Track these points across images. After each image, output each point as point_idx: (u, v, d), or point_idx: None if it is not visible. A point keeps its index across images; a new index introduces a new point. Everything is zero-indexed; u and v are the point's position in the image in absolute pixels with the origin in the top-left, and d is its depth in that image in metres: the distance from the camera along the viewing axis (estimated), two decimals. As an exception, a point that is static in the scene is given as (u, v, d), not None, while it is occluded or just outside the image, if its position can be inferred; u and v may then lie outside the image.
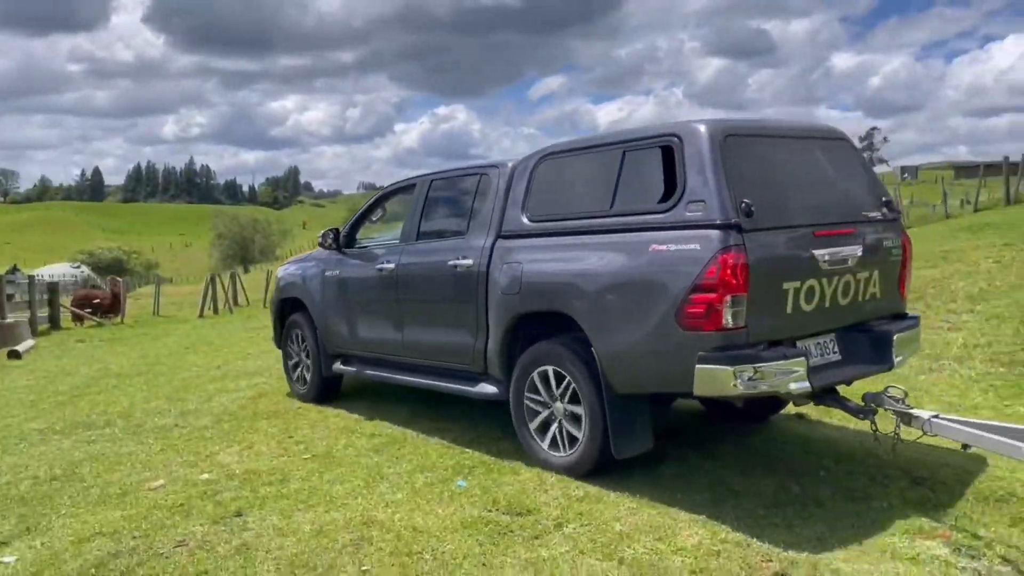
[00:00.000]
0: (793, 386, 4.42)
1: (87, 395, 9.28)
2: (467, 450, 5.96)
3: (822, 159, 5.14)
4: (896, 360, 5.00)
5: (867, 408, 4.82)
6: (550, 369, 5.29)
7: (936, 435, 4.58)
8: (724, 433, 6.05)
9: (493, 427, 6.49)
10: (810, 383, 4.47)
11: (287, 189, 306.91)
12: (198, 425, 7.28)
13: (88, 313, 21.15)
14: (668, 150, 4.69)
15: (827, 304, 4.80)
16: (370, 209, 7.36)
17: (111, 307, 21.93)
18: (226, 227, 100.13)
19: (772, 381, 4.36)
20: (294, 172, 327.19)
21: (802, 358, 4.47)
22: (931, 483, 4.88)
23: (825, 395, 4.95)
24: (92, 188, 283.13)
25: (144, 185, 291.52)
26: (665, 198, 4.66)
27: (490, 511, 4.71)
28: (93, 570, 4.22)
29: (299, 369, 7.98)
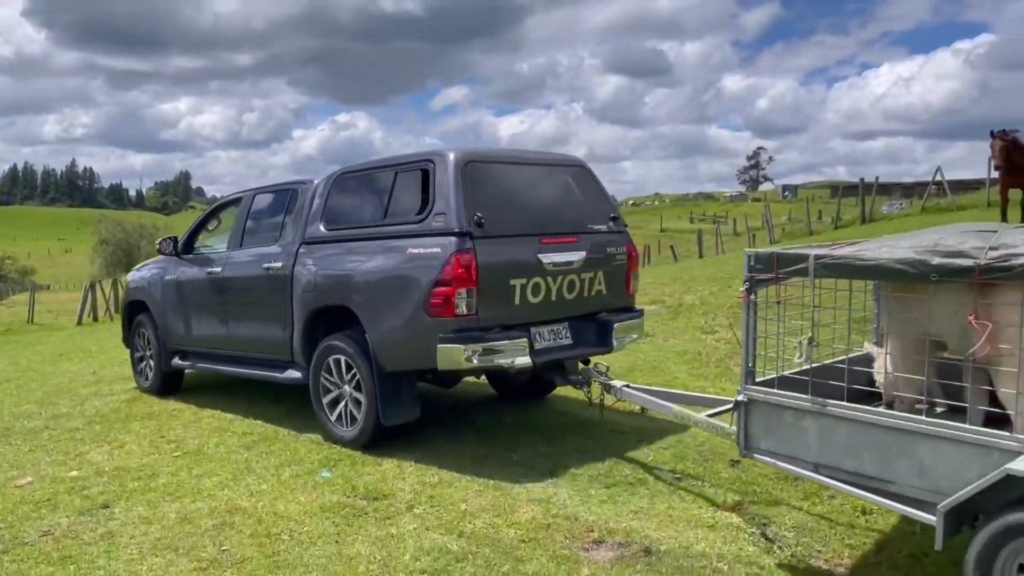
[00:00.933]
0: (518, 361, 5.60)
1: (-48, 401, 9.09)
2: (336, 446, 6.31)
3: (556, 182, 6.35)
4: (615, 344, 6.26)
5: (582, 380, 6.20)
6: (341, 357, 6.16)
7: (624, 400, 5.91)
8: (568, 424, 6.62)
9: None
10: (532, 359, 5.68)
11: (177, 194, 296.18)
12: (69, 427, 7.35)
13: (-45, 320, 20.22)
14: (425, 172, 5.76)
15: (553, 298, 5.94)
16: (206, 219, 8.35)
17: (-20, 314, 21.02)
18: (110, 232, 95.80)
19: (498, 357, 5.52)
20: (185, 177, 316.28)
21: (524, 339, 5.64)
22: (744, 466, 5.56)
23: (555, 370, 6.28)
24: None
25: (21, 187, 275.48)
26: (420, 211, 5.75)
27: (348, 497, 5.10)
28: (-45, 558, 4.38)
29: (143, 364, 8.77)
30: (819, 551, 4.42)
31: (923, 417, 3.58)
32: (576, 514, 4.75)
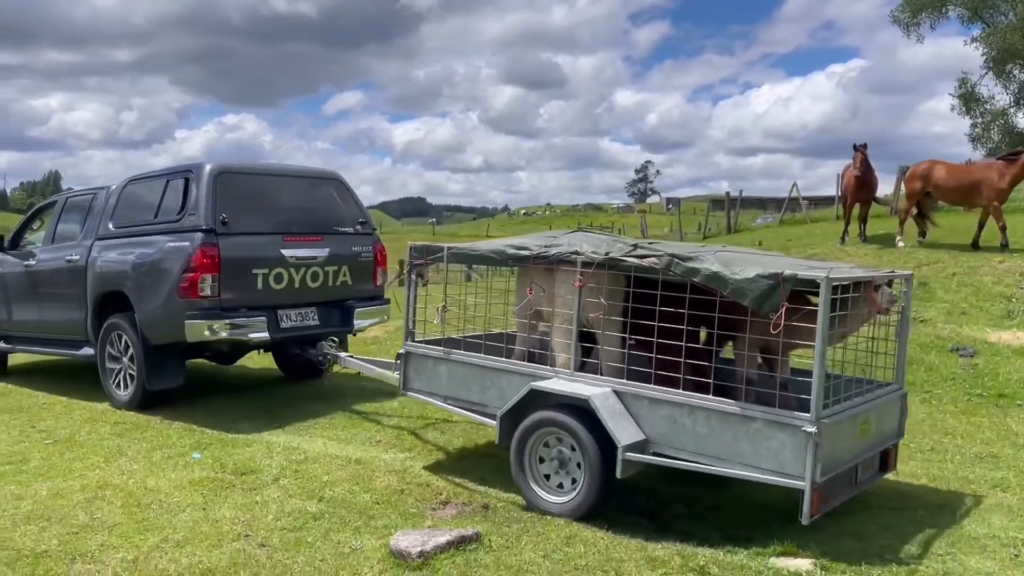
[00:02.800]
0: (254, 335, 6.94)
1: None
2: (207, 431, 6.64)
3: (306, 191, 7.71)
4: (356, 324, 7.66)
5: (320, 353, 7.46)
6: (121, 333, 7.37)
7: (347, 367, 7.34)
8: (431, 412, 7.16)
9: (231, 411, 7.23)
10: (269, 334, 7.02)
11: (45, 195, 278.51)
12: (-67, 420, 7.35)
13: None
14: (187, 180, 7.03)
15: (297, 286, 7.24)
16: (30, 219, 9.41)
17: None
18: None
19: (237, 331, 6.82)
20: (54, 176, 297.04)
21: (263, 318, 6.94)
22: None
23: (302, 346, 7.60)
24: None
25: None
26: (179, 212, 7.00)
27: (217, 473, 5.48)
28: None
29: None
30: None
31: (500, 358, 5.34)
32: (429, 480, 5.31)
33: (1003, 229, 11.60)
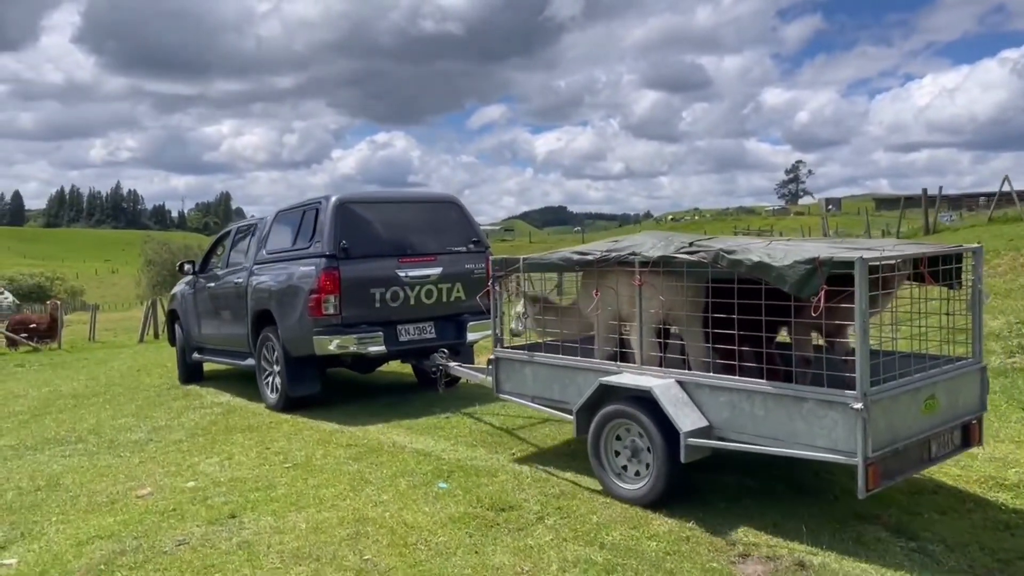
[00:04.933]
0: (373, 349, 7.68)
1: (48, 414, 9.28)
2: (443, 457, 6.29)
3: (422, 215, 8.39)
4: (469, 337, 8.20)
5: (433, 364, 7.64)
6: (271, 346, 8.26)
7: (453, 373, 7.50)
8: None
9: (468, 438, 6.86)
10: (386, 347, 7.74)
11: (218, 215, 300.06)
12: (172, 439, 7.43)
13: (24, 338, 20.68)
14: (316, 211, 7.86)
15: (412, 303, 7.92)
16: (215, 245, 10.55)
17: (47, 332, 21.46)
18: (156, 253, 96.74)
19: (356, 346, 7.60)
20: (226, 198, 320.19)
21: (379, 333, 7.67)
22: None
23: (419, 357, 8.13)
24: (12, 212, 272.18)
25: (68, 209, 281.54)
26: (310, 239, 7.86)
27: (474, 508, 5.07)
28: (102, 566, 4.43)
29: (180, 356, 11.05)
30: (969, 567, 4.29)
31: (576, 358, 5.69)
32: (713, 527, 4.66)
33: None
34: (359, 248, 7.66)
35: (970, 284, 4.96)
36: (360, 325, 7.60)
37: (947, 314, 5.02)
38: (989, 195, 23.12)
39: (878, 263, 4.28)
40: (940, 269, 4.88)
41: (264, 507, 5.33)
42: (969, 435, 4.98)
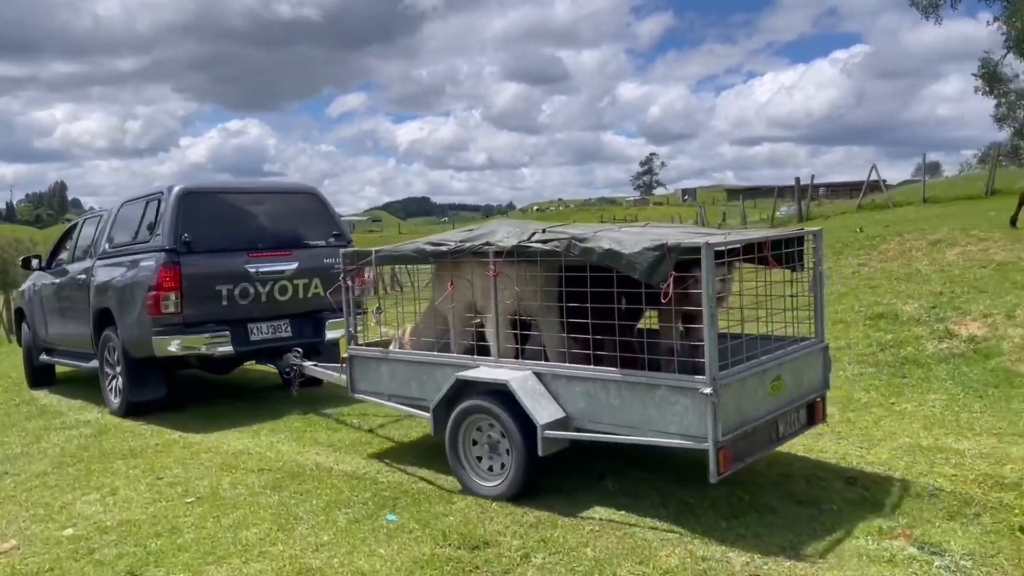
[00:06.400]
0: (219, 350, 7.14)
1: None
2: (380, 480, 5.39)
3: (277, 207, 7.86)
4: (328, 335, 7.69)
5: (286, 364, 7.20)
6: (112, 346, 7.67)
7: (310, 373, 6.98)
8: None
9: (401, 450, 5.98)
10: (234, 348, 7.19)
11: (52, 207, 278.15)
12: (35, 471, 6.11)
13: None
14: (159, 202, 7.32)
15: (264, 300, 7.38)
16: (63, 239, 9.83)
17: None
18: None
19: (200, 346, 7.06)
20: (61, 188, 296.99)
21: (226, 333, 7.12)
22: (862, 482, 4.98)
23: (273, 358, 7.61)
24: None
25: None
26: (151, 232, 7.29)
27: (441, 547, 4.22)
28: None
29: (27, 357, 10.15)
30: (1003, 581, 3.87)
31: (433, 353, 5.56)
32: (724, 554, 4.03)
33: None
34: (204, 242, 7.13)
35: (812, 266, 5.11)
36: (206, 324, 7.07)
37: (791, 296, 5.11)
38: (835, 185, 24.08)
39: (724, 248, 4.29)
40: (783, 252, 4.97)
41: (172, 559, 4.26)
42: (814, 413, 5.09)
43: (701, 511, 4.60)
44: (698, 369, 4.22)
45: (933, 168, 44.02)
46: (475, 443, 5.04)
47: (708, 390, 4.09)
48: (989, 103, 39.18)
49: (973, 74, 39.19)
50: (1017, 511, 4.52)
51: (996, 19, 37.07)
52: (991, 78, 38.77)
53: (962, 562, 3.99)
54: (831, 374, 5.29)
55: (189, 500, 5.21)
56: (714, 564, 3.92)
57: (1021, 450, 5.34)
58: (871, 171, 23.70)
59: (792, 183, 25.98)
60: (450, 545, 4.22)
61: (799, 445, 5.63)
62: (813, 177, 26.53)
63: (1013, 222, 13.06)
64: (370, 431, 6.73)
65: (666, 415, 4.31)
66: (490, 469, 4.97)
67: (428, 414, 5.20)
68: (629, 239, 4.42)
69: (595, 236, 4.58)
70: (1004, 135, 39.86)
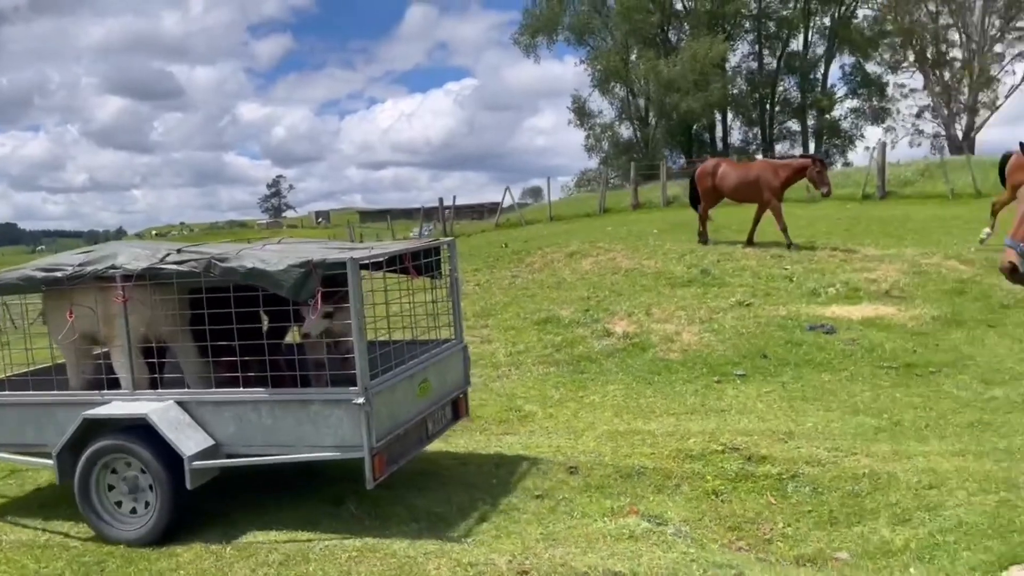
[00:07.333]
0: None
1: None
2: (70, 544, 4.55)
3: None
4: None
5: None
6: None
7: None
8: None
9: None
10: None
11: None
12: None
13: None
14: None
15: None
16: None
17: None
18: None
19: None
20: None
21: None
22: (582, 470, 5.37)
23: None
24: None
25: None
26: None
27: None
28: None
29: None
30: (714, 535, 4.51)
31: (52, 392, 4.88)
32: (487, 557, 4.08)
33: (784, 231, 12.37)
34: None
35: (449, 274, 5.49)
36: None
37: (432, 302, 5.46)
38: (460, 208, 25.96)
39: (368, 262, 4.51)
40: (423, 263, 5.24)
41: None
42: (458, 409, 5.42)
43: (452, 519, 4.62)
44: (350, 380, 4.31)
45: (535, 192, 49.62)
46: (111, 487, 4.57)
47: (361, 400, 4.18)
48: (580, 134, 44.90)
49: (568, 107, 44.83)
50: (708, 478, 5.24)
51: (583, 61, 43.10)
52: (581, 113, 44.75)
53: (683, 528, 4.52)
54: (471, 372, 5.75)
55: None
56: (482, 568, 3.95)
57: (698, 425, 6.18)
58: (505, 193, 26.01)
59: (418, 206, 27.44)
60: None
61: (518, 444, 5.93)
62: (455, 198, 28.13)
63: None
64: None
65: (321, 429, 4.33)
66: (133, 511, 4.55)
67: (51, 461, 4.62)
68: (273, 257, 4.39)
69: (238, 255, 4.48)
70: (594, 163, 45.80)
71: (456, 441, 6.13)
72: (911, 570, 3.96)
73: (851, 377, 7.44)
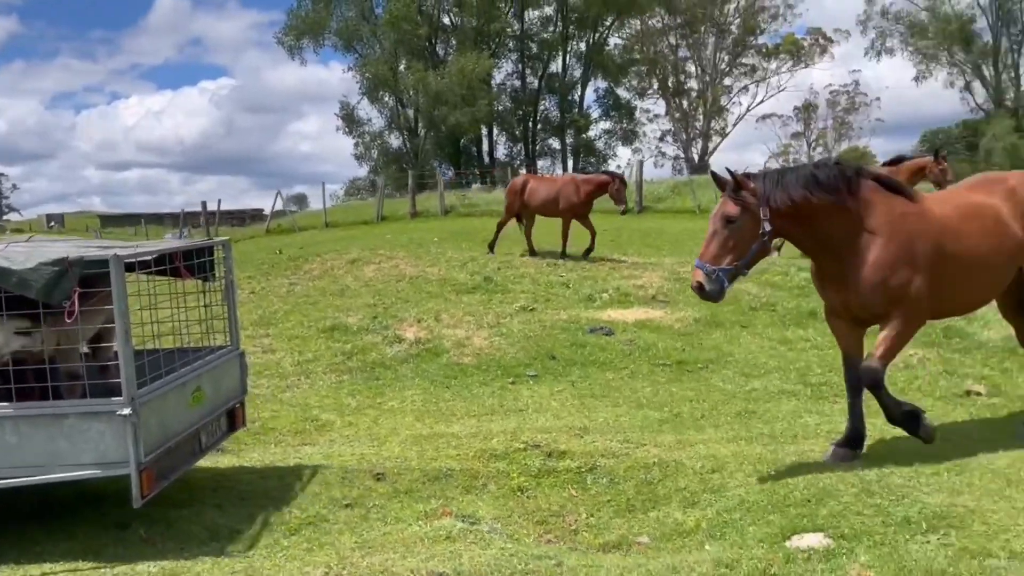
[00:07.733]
0: None
1: None
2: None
3: None
4: None
5: None
6: None
7: None
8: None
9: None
10: None
11: None
12: None
13: None
14: None
15: None
16: None
17: None
18: None
19: None
20: None
21: None
22: (388, 476, 5.28)
23: None
24: None
25: None
26: None
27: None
28: None
29: None
30: (525, 530, 4.65)
31: None
32: (304, 572, 3.89)
33: (565, 238, 12.99)
34: None
35: (224, 276, 5.24)
36: None
37: (205, 306, 5.23)
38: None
39: (134, 260, 4.22)
40: (195, 263, 4.96)
41: None
42: (234, 419, 5.17)
43: (257, 535, 4.37)
44: (112, 390, 3.98)
45: (300, 200, 48.37)
46: None
47: (127, 411, 3.88)
48: (349, 142, 44.32)
49: (336, 113, 44.11)
50: (513, 475, 5.37)
51: (351, 68, 42.66)
52: (350, 120, 44.28)
53: (495, 525, 4.59)
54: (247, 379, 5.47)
55: None
56: (300, 583, 3.74)
57: (499, 425, 6.31)
58: (276, 197, 24.89)
59: (169, 210, 25.90)
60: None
61: (318, 454, 5.71)
62: (220, 202, 26.60)
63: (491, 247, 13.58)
64: None
65: (78, 445, 3.95)
66: None
67: None
68: (19, 254, 4.02)
69: None
70: (364, 171, 45.41)
71: (250, 455, 5.81)
72: (707, 547, 4.27)
73: (632, 375, 8.00)
